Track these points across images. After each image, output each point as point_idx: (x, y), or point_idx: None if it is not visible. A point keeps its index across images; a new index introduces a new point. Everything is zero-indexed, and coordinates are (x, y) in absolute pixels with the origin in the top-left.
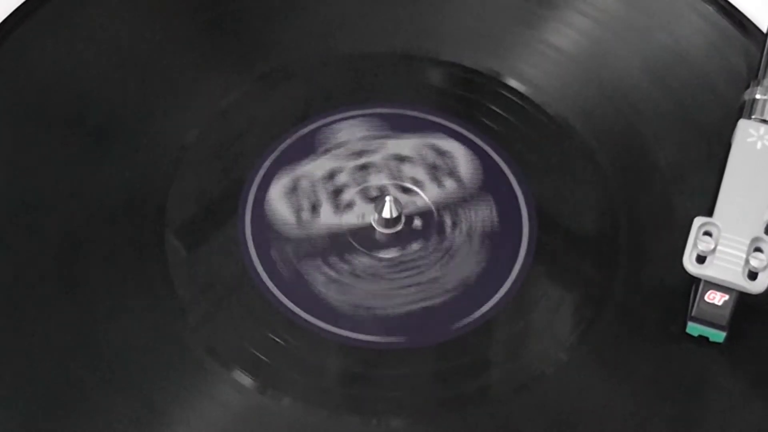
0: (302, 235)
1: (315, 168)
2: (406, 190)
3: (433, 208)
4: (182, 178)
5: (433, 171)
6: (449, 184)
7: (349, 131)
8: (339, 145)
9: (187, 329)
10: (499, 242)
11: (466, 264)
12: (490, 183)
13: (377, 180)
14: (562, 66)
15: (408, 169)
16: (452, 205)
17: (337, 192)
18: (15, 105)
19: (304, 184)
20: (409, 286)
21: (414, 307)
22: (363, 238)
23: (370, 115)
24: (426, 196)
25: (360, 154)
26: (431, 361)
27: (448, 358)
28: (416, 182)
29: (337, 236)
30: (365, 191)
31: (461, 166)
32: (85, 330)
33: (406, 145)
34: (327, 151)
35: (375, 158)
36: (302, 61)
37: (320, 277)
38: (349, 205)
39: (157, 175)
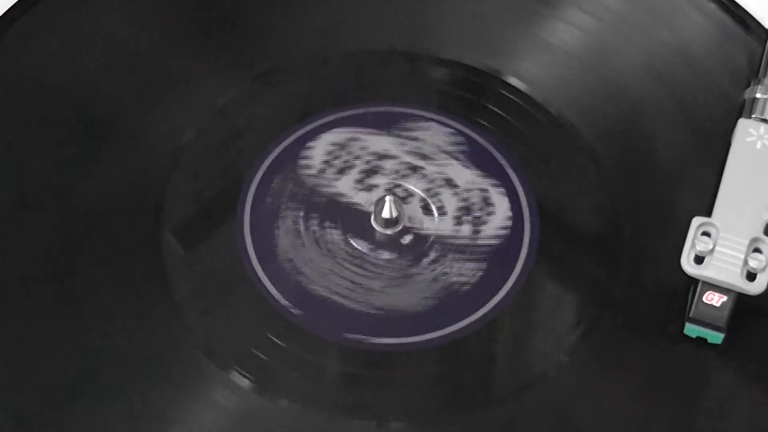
0: (311, 186)
1: (376, 142)
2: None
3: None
4: (180, 177)
5: (466, 209)
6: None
7: (433, 132)
8: (413, 138)
9: (183, 329)
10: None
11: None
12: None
13: (413, 185)
14: (564, 64)
15: (445, 197)
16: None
17: (371, 171)
18: (11, 103)
19: (355, 148)
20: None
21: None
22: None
23: (457, 130)
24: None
25: (423, 156)
26: (432, 362)
27: (449, 360)
28: (442, 209)
29: (338, 205)
30: (394, 186)
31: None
32: (80, 330)
33: (460, 174)
34: (399, 136)
35: (430, 168)
36: (301, 60)
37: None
38: (370, 188)
39: (154, 174)
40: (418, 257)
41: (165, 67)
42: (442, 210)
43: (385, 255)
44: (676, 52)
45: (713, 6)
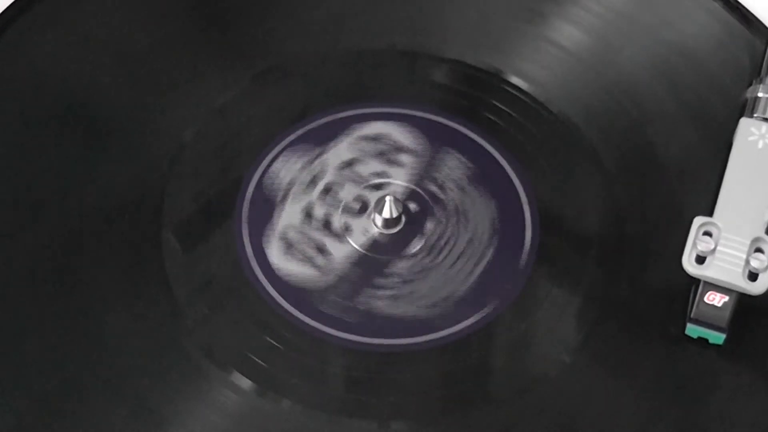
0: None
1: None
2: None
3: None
4: (179, 177)
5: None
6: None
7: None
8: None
9: (184, 330)
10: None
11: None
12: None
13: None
14: (566, 63)
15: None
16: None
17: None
18: (9, 103)
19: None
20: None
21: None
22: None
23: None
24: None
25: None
26: (433, 363)
27: (451, 361)
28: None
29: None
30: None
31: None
32: (80, 331)
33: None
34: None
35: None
36: (301, 59)
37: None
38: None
39: (153, 174)
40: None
41: (164, 67)
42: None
43: (416, 247)
44: (679, 51)
45: (716, 5)
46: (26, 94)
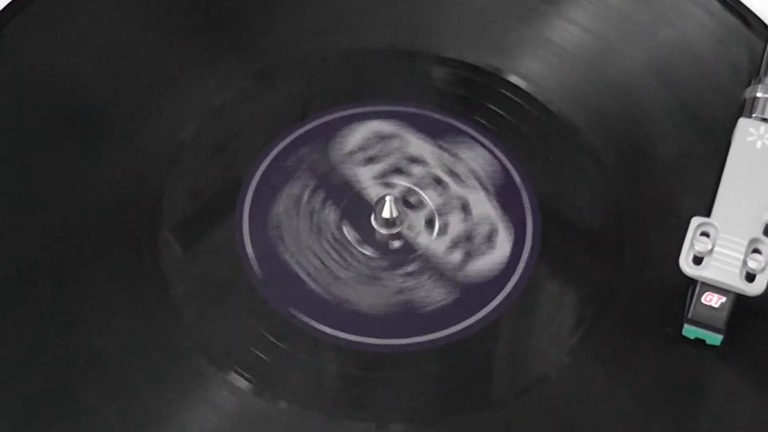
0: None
1: (416, 145)
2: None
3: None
4: (178, 176)
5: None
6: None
7: (475, 155)
8: (453, 153)
9: (181, 330)
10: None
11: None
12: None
13: (429, 197)
14: (566, 62)
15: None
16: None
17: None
18: (8, 101)
19: (394, 143)
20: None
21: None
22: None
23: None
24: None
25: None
26: (432, 363)
27: (449, 360)
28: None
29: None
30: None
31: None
32: (77, 330)
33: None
34: (441, 147)
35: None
36: (300, 58)
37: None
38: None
39: (152, 173)
40: (442, 230)
41: (163, 66)
42: (443, 230)
43: (415, 247)
44: (679, 50)
45: (716, 4)
46: (24, 93)
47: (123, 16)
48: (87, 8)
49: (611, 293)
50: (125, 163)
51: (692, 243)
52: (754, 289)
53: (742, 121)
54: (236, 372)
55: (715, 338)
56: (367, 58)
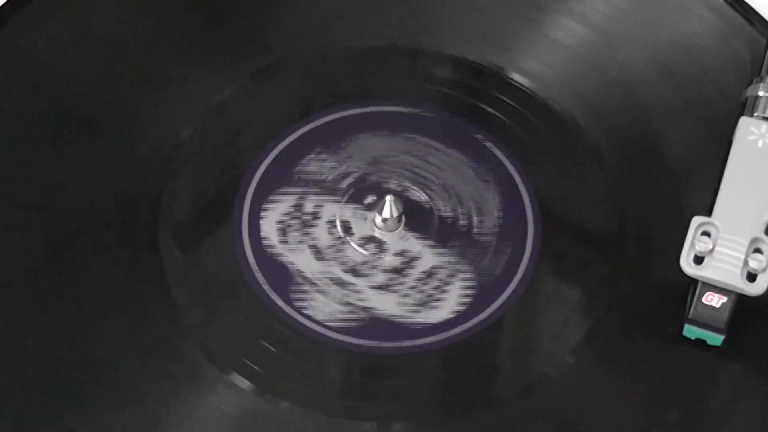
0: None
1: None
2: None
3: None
4: (177, 177)
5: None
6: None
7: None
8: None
9: (182, 331)
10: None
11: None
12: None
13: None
14: (568, 60)
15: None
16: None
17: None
18: (5, 101)
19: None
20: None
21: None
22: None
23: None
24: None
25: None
26: (434, 363)
27: (451, 361)
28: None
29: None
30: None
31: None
32: (77, 333)
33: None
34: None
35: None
36: (301, 56)
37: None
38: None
39: (150, 174)
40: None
41: (162, 65)
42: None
43: (416, 247)
44: (681, 48)
45: (719, 1)
46: (22, 92)
47: (122, 15)
48: (86, 7)
49: (615, 293)
50: (125, 163)
51: (693, 243)
52: (756, 289)
53: (744, 120)
54: (237, 373)
55: (715, 338)
56: (367, 56)
